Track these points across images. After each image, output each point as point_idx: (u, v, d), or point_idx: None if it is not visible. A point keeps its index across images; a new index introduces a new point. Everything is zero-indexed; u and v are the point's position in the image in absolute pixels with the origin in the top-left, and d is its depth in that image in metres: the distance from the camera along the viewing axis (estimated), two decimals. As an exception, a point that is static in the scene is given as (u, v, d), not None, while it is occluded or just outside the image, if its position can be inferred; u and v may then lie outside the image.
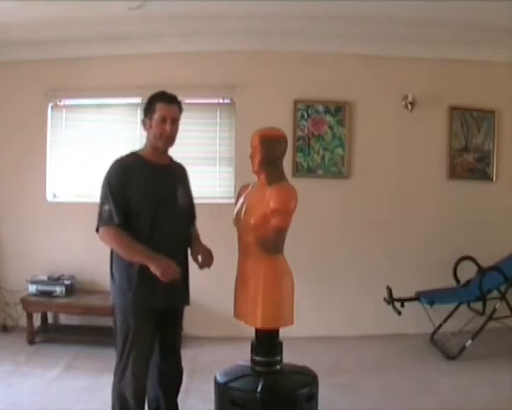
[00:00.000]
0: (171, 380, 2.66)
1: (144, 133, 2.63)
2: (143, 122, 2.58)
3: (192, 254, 2.66)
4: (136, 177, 2.47)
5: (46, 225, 4.84)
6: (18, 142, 4.86)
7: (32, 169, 4.87)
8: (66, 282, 4.60)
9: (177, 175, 2.68)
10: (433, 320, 4.37)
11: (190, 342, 4.45)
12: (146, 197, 2.46)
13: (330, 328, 4.77)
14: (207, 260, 2.63)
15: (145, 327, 2.46)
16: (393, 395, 3.54)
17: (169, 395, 2.67)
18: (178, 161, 2.74)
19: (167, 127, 2.50)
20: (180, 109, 2.58)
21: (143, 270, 2.39)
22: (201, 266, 2.63)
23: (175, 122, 2.53)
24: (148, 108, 2.54)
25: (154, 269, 2.36)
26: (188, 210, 2.69)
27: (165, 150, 2.60)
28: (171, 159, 2.67)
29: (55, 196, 4.94)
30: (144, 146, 2.60)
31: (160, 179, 2.54)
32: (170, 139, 2.54)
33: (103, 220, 2.44)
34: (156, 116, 2.49)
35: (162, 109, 2.49)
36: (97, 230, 2.49)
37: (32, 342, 4.45)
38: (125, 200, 2.42)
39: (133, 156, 2.57)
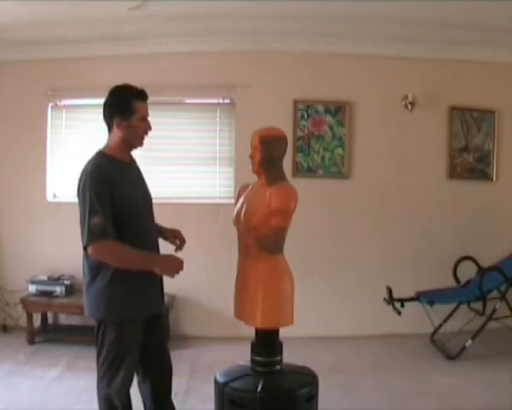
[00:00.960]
0: (164, 378, 2.61)
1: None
2: (115, 123, 2.37)
3: (168, 239, 2.64)
4: (116, 179, 2.31)
5: (46, 225, 4.84)
6: (18, 142, 4.86)
7: (32, 169, 4.87)
8: (66, 282, 4.61)
9: (139, 171, 2.61)
10: (433, 320, 4.37)
11: (190, 342, 4.46)
12: (132, 199, 2.37)
13: (330, 328, 4.77)
14: (182, 241, 2.63)
15: (138, 335, 2.40)
16: (393, 395, 3.54)
17: (163, 393, 2.62)
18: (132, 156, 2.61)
19: (148, 125, 2.44)
20: None
21: (142, 280, 2.34)
22: (178, 248, 2.62)
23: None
24: (125, 108, 2.35)
25: (159, 271, 2.33)
26: (151, 205, 2.62)
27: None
28: (131, 156, 2.56)
29: (55, 196, 4.94)
30: (110, 145, 2.43)
31: (135, 178, 2.51)
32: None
33: (95, 235, 2.21)
34: (137, 116, 2.37)
35: (142, 108, 2.40)
36: (85, 248, 2.27)
37: (31, 342, 4.45)
38: (112, 207, 2.25)
39: (104, 157, 2.39)
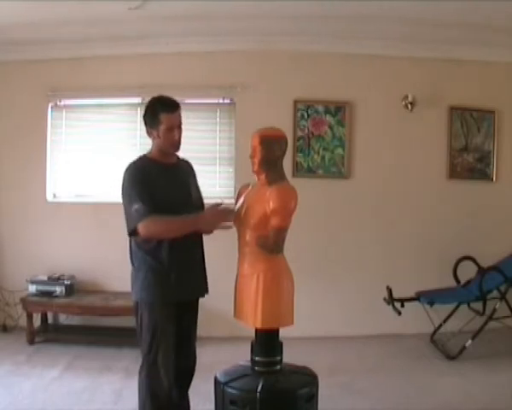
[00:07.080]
0: (186, 372, 2.73)
1: (146, 136, 2.68)
2: (148, 132, 2.61)
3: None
4: (152, 178, 2.52)
5: (46, 225, 4.84)
6: (18, 142, 4.86)
7: (32, 169, 4.87)
8: (66, 282, 4.60)
9: (186, 172, 2.78)
10: (433, 320, 4.37)
11: (190, 342, 4.45)
12: (167, 196, 2.53)
13: (330, 328, 4.77)
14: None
15: (170, 320, 2.54)
16: (393, 395, 3.53)
17: (182, 387, 2.73)
18: (183, 158, 2.81)
19: (176, 135, 2.58)
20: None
21: (171, 265, 2.51)
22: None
23: (180, 127, 2.61)
24: (152, 119, 2.56)
25: (203, 227, 2.50)
26: (199, 204, 2.78)
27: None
28: (177, 157, 2.75)
29: (55, 196, 4.94)
30: (151, 150, 2.65)
31: (175, 178, 2.64)
32: (179, 144, 2.63)
33: (137, 218, 2.43)
34: (163, 127, 2.53)
35: (168, 120, 2.54)
36: (131, 234, 2.50)
37: (32, 342, 4.44)
38: (151, 198, 2.47)
39: (143, 159, 2.63)
